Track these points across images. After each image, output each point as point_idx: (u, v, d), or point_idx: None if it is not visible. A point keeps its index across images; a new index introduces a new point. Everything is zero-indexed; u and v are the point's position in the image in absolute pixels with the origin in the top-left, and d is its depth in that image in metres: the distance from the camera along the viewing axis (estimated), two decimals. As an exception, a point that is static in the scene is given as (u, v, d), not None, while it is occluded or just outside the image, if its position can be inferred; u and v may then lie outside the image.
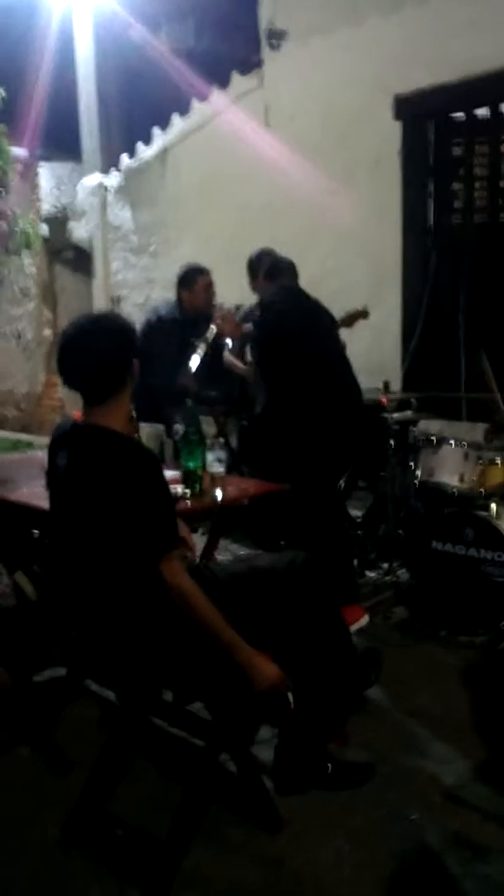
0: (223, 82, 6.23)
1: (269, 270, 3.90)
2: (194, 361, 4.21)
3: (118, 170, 7.40)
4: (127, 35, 6.85)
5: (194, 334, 4.37)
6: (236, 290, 4.49)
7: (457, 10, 4.69)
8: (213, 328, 4.15)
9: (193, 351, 4.26)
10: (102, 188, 7.57)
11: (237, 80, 6.14)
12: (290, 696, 2.30)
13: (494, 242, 4.86)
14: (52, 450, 2.32)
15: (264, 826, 2.30)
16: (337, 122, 5.39)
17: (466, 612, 3.53)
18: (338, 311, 4.07)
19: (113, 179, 7.48)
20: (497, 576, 3.46)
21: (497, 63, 4.51)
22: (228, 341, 4.30)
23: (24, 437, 7.99)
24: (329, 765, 2.47)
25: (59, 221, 7.99)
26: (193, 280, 4.52)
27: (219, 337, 4.26)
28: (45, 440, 7.33)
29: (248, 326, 3.86)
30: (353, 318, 4.24)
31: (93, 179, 7.67)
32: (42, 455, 3.34)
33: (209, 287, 4.52)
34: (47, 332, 8.45)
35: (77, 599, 2.37)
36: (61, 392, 8.14)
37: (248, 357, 4.32)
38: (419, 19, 4.88)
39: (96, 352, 2.17)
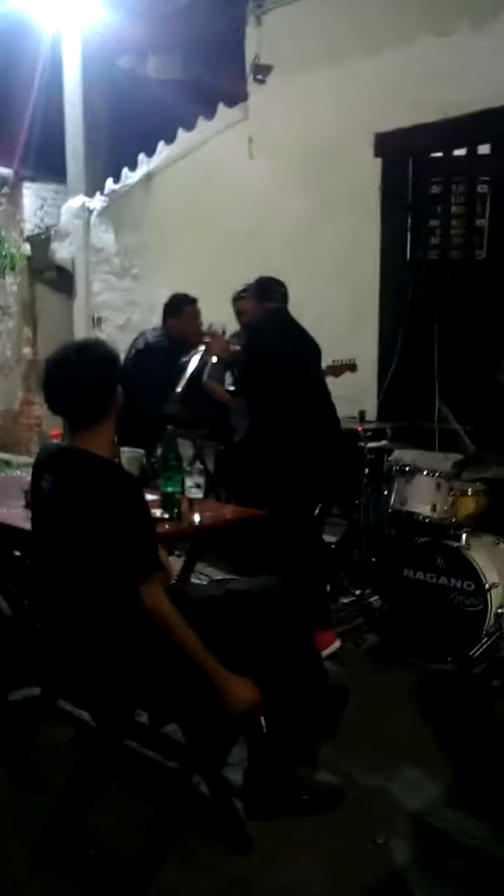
0: (209, 113, 6.35)
1: (259, 291, 3.92)
2: (181, 385, 4.27)
3: (103, 193, 7.48)
4: (115, 63, 6.96)
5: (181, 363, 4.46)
6: (217, 314, 4.57)
7: (436, 55, 4.85)
8: (201, 347, 4.22)
9: (183, 372, 4.32)
10: (86, 210, 7.65)
11: (222, 111, 6.27)
12: (262, 719, 2.35)
13: (469, 278, 4.99)
14: (37, 472, 2.36)
15: (234, 847, 2.33)
16: (319, 157, 5.52)
17: (437, 639, 3.60)
18: (317, 341, 4.18)
19: (97, 202, 7.57)
20: (467, 604, 3.53)
21: (474, 106, 4.66)
22: (212, 360, 4.37)
23: (2, 454, 7.99)
24: (299, 790, 2.51)
25: (41, 242, 8.05)
26: (181, 308, 4.60)
27: (204, 355, 4.34)
28: (22, 459, 7.34)
29: (236, 349, 3.91)
30: (341, 370, 4.33)
31: (77, 201, 7.74)
32: (21, 475, 3.38)
33: (197, 316, 4.60)
34: (26, 350, 8.48)
35: (54, 620, 2.40)
36: (39, 410, 8.16)
37: (228, 383, 4.39)
38: (400, 61, 5.03)
39: (80, 379, 2.22)
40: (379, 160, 5.25)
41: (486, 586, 3.46)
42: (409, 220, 5.29)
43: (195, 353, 4.46)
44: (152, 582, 2.15)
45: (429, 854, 2.35)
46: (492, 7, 4.57)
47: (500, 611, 3.48)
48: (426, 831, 2.45)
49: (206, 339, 4.17)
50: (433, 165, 5.18)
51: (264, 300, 3.86)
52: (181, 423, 4.29)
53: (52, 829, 2.34)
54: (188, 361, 4.57)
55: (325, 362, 4.10)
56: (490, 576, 3.51)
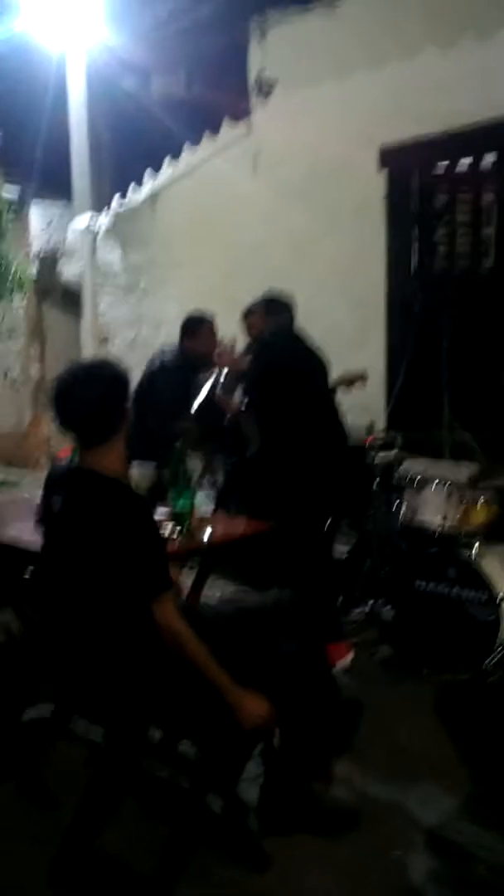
0: (214, 129, 6.39)
1: (268, 306, 3.97)
2: (197, 403, 4.28)
3: (109, 211, 7.53)
4: (119, 82, 7.03)
5: (198, 381, 4.46)
6: (225, 328, 4.58)
7: (440, 67, 4.87)
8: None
9: (198, 391, 4.33)
10: (92, 229, 7.70)
11: (227, 127, 6.31)
12: (276, 735, 2.35)
13: (476, 288, 4.99)
14: (48, 491, 2.37)
15: (250, 864, 2.32)
16: (323, 170, 5.54)
17: (449, 650, 3.58)
18: (325, 353, 4.18)
19: (103, 221, 7.62)
20: (479, 615, 3.51)
21: (479, 117, 4.67)
22: (222, 375, 4.38)
23: (11, 472, 8.01)
24: (314, 806, 2.50)
25: (48, 261, 8.10)
26: (197, 328, 4.62)
27: (217, 370, 4.35)
28: (31, 477, 7.36)
29: (247, 360, 3.93)
30: (351, 381, 4.34)
31: (83, 220, 7.79)
32: (30, 496, 3.40)
33: (212, 334, 4.60)
34: (35, 369, 8.52)
35: (66, 637, 2.40)
36: (47, 430, 8.19)
37: (237, 397, 4.40)
38: (404, 74, 5.06)
39: (90, 399, 2.24)
40: (384, 172, 5.27)
41: (500, 597, 3.45)
42: (416, 232, 5.30)
43: (213, 373, 4.45)
44: (165, 600, 2.16)
45: (445, 868, 2.34)
46: (495, 18, 4.60)
47: (513, 621, 3.46)
48: (442, 845, 2.44)
49: (217, 353, 4.19)
50: (438, 177, 5.19)
51: (272, 315, 3.88)
52: (191, 440, 4.30)
53: (67, 847, 2.34)
54: (205, 380, 4.56)
55: (334, 374, 4.10)
56: (502, 586, 3.49)
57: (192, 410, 4.30)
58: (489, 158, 4.97)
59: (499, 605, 3.44)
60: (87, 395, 2.23)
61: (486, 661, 3.44)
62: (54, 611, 2.45)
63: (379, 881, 2.27)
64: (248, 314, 4.25)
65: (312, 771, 2.53)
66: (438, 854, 2.39)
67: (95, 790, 2.45)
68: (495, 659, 3.44)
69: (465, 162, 5.05)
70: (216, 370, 4.27)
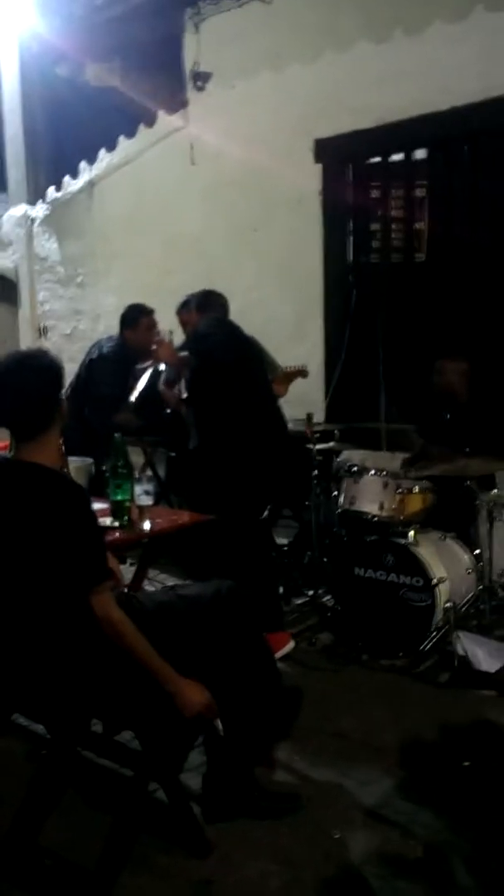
0: (149, 120, 6.35)
1: (201, 302, 4.00)
2: (135, 394, 4.28)
3: (45, 201, 7.43)
4: (53, 71, 6.92)
5: (135, 372, 4.46)
6: (164, 320, 4.59)
7: (374, 61, 4.92)
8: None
9: (136, 382, 4.33)
10: (28, 219, 7.58)
11: (163, 118, 6.27)
12: (218, 723, 2.37)
13: (410, 280, 5.08)
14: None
15: (193, 851, 2.35)
16: (260, 163, 5.55)
17: (388, 635, 3.67)
18: (264, 345, 4.22)
19: (39, 210, 7.50)
20: (416, 600, 3.61)
21: (410, 112, 4.74)
22: (162, 367, 4.38)
23: None
24: (257, 792, 2.54)
25: (-17, 251, 7.95)
26: (137, 320, 4.61)
27: (153, 362, 4.35)
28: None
29: (185, 354, 3.94)
30: (291, 376, 4.39)
31: (19, 210, 7.67)
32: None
33: (152, 326, 4.61)
34: (-29, 361, 8.35)
35: (3, 633, 2.39)
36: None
37: (179, 390, 4.40)
38: (339, 67, 5.10)
39: (24, 389, 2.22)
40: (319, 166, 5.31)
41: (434, 581, 3.54)
42: (351, 225, 5.37)
43: (150, 364, 4.47)
44: (103, 590, 2.16)
45: (384, 846, 2.40)
46: (425, 14, 4.67)
47: (447, 605, 3.56)
48: (381, 824, 2.50)
49: (153, 347, 4.19)
50: (372, 170, 5.26)
51: (205, 311, 3.91)
52: (131, 431, 4.30)
53: (8, 843, 2.33)
54: (143, 371, 4.57)
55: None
56: (437, 571, 3.58)
57: (131, 401, 4.30)
58: (420, 153, 5.06)
59: (433, 589, 3.53)
60: (20, 386, 2.21)
61: (423, 645, 3.53)
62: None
63: (321, 863, 2.32)
64: (182, 309, 4.26)
65: (254, 757, 2.56)
66: (378, 833, 2.45)
67: (38, 782, 2.44)
68: (431, 642, 3.53)
69: (398, 156, 5.13)
70: (153, 362, 4.28)
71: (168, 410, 4.38)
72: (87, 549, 2.17)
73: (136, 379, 4.58)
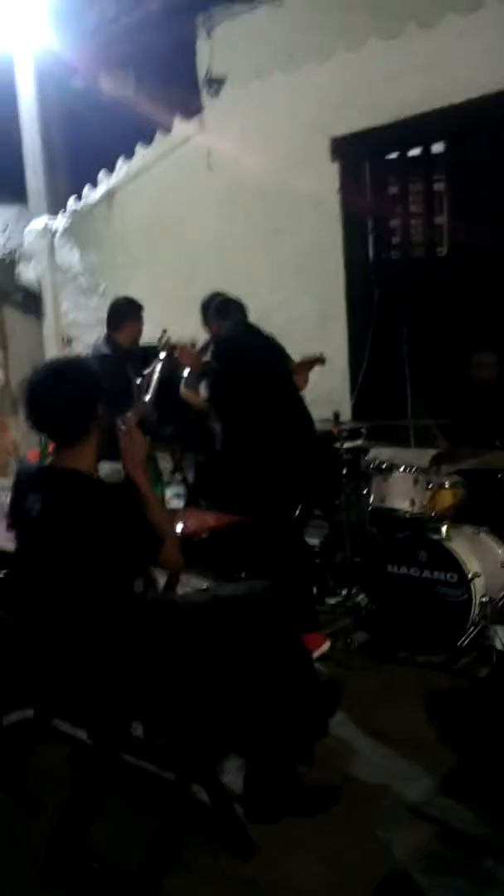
0: (166, 126, 6.38)
1: (218, 308, 4.01)
2: (150, 392, 4.31)
3: (65, 213, 7.50)
4: (69, 82, 6.99)
5: (133, 367, 4.49)
6: (187, 327, 4.59)
7: (386, 57, 4.91)
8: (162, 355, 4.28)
9: (149, 380, 4.35)
10: (49, 231, 7.65)
11: (179, 125, 6.31)
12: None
13: (431, 276, 5.06)
14: (19, 492, 2.37)
15: (237, 852, 2.35)
16: (277, 164, 5.56)
17: (424, 632, 3.64)
18: (287, 346, 4.21)
19: (60, 222, 7.57)
20: (451, 596, 3.57)
21: (425, 106, 4.73)
22: (185, 372, 4.39)
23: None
24: (298, 790, 2.53)
25: (7, 265, 8.03)
26: (121, 318, 4.67)
27: (176, 368, 4.36)
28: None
29: (208, 358, 3.95)
30: (309, 364, 4.36)
31: (39, 222, 7.74)
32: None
33: (140, 320, 4.67)
34: (-1, 374, 8.44)
35: (46, 639, 2.41)
36: (14, 434, 8.12)
37: (203, 392, 4.41)
38: (352, 65, 5.09)
39: (64, 397, 2.24)
40: (336, 164, 5.31)
41: (469, 576, 3.51)
42: (370, 222, 5.36)
43: (158, 362, 4.47)
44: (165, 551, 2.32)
45: (429, 845, 2.38)
46: (437, 8, 4.65)
47: (483, 599, 3.52)
48: (425, 822, 2.48)
49: (177, 354, 4.20)
50: (390, 166, 5.25)
51: (224, 316, 3.94)
52: (155, 435, 4.31)
53: (55, 846, 2.35)
54: (153, 370, 4.57)
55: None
56: (472, 565, 3.55)
57: (147, 399, 4.33)
58: (438, 146, 5.03)
59: (469, 584, 3.50)
60: (62, 392, 2.24)
61: (460, 641, 3.50)
62: (33, 613, 2.45)
63: (366, 862, 2.30)
64: (204, 310, 4.27)
65: (295, 756, 2.55)
66: (421, 831, 2.44)
67: (82, 787, 2.46)
68: (469, 638, 3.50)
69: (415, 151, 5.11)
70: (162, 360, 4.31)
71: (192, 415, 4.40)
72: (136, 538, 2.22)
73: (149, 379, 4.57)
